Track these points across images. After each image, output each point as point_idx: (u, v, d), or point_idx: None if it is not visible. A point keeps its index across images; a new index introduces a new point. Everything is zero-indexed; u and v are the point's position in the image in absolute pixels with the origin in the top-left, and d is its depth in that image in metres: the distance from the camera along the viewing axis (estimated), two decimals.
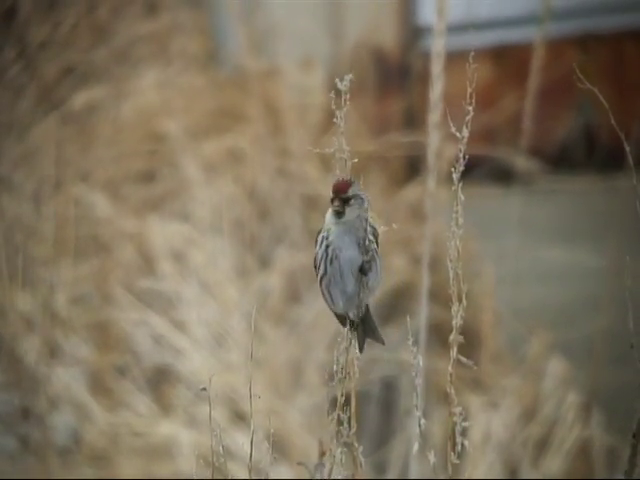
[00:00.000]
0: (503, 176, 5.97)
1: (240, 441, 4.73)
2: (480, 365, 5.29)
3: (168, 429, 5.01)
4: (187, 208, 5.88)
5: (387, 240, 2.47)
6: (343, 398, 2.42)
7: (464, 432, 2.39)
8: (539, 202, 5.89)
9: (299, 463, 2.52)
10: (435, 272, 3.88)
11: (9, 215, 5.76)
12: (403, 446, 5.07)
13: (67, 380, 5.21)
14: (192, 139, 6.09)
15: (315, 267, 2.39)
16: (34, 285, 5.47)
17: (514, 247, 5.26)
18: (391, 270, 5.53)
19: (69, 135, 6.14)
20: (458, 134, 2.34)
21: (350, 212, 2.35)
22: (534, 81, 4.67)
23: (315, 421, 5.03)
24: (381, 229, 2.40)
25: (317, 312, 5.46)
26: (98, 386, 5.25)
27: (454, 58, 3.59)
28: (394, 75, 6.62)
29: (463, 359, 2.40)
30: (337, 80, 2.34)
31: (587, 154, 6.50)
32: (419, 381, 2.42)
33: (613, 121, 2.44)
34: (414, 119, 6.48)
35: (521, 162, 5.78)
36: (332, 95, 2.34)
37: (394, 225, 2.43)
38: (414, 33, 6.62)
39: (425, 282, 3.72)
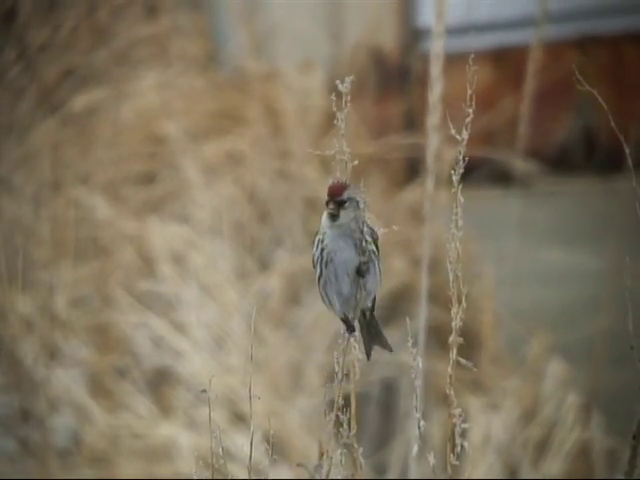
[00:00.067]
0: (503, 178, 5.97)
1: (240, 442, 4.73)
2: (480, 366, 5.29)
3: (168, 431, 5.02)
4: (187, 210, 5.88)
5: (387, 242, 2.47)
6: (342, 399, 2.42)
7: (464, 433, 2.40)
8: (539, 204, 5.89)
9: (299, 464, 2.52)
10: (435, 274, 3.89)
11: (9, 217, 5.76)
12: (403, 447, 5.08)
13: (67, 382, 5.21)
14: (192, 141, 6.09)
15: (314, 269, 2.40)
16: (34, 287, 5.48)
17: (514, 249, 5.26)
18: (391, 272, 5.53)
19: (69, 137, 6.14)
20: (458, 136, 2.34)
21: (345, 215, 2.34)
22: (530, 84, 4.67)
23: (315, 422, 5.03)
24: (381, 231, 2.40)
25: (317, 314, 5.46)
26: (98, 388, 5.25)
27: (454, 60, 3.59)
28: (394, 77, 6.62)
29: (463, 361, 2.40)
30: (338, 82, 2.35)
31: (586, 156, 6.49)
32: (419, 383, 2.42)
33: (612, 123, 2.44)
34: (414, 121, 6.48)
35: (520, 164, 5.78)
36: (333, 97, 2.34)
37: (394, 227, 2.44)
38: (414, 35, 6.62)
39: (425, 284, 3.72)
